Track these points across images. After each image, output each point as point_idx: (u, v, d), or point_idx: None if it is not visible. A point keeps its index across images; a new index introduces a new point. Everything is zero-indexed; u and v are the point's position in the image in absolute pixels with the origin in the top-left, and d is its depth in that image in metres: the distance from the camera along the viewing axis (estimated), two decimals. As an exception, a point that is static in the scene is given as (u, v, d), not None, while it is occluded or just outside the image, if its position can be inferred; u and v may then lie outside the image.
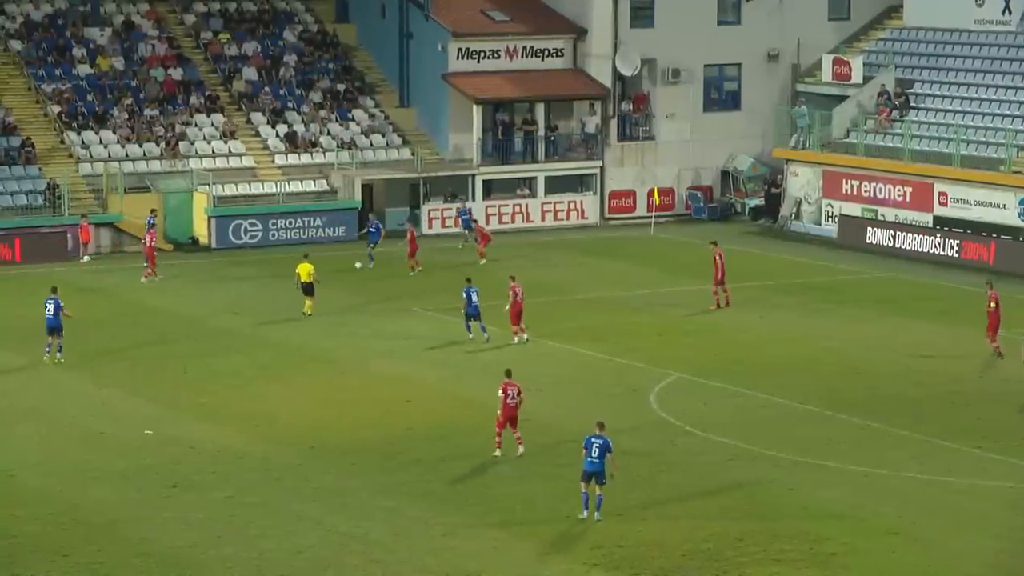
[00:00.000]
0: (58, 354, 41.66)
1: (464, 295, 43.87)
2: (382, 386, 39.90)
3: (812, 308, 49.03)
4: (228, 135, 62.86)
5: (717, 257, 48.11)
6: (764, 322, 46.87)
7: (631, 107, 66.39)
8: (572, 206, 65.16)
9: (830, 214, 62.61)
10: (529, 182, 64.91)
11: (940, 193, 59.12)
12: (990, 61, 62.84)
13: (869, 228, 60.26)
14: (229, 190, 60.69)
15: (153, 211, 55.97)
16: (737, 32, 67.14)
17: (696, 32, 66.29)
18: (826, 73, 66.01)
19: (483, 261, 53.89)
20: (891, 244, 59.07)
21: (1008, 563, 27.94)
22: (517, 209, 64.20)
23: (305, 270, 46.90)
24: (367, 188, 62.14)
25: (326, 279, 48.48)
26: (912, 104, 63.20)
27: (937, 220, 58.92)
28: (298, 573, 27.43)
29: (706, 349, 43.59)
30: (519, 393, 33.95)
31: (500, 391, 33.96)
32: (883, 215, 60.63)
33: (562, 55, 66.24)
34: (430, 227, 62.26)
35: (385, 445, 34.83)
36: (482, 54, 65.05)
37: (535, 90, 65.17)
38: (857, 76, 64.67)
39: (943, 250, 57.48)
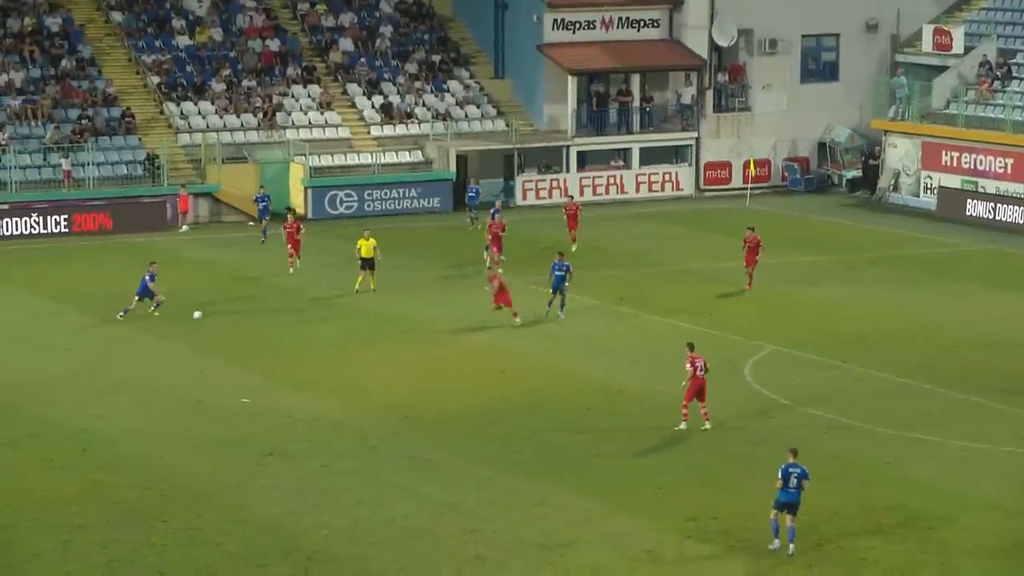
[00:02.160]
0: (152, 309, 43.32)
1: (552, 270, 43.09)
2: (476, 357, 39.98)
3: (910, 281, 48.53)
4: (324, 106, 63.16)
5: (751, 242, 46.49)
6: (861, 296, 46.45)
7: (727, 78, 65.96)
8: (667, 178, 64.92)
9: (929, 186, 61.98)
10: (624, 153, 64.74)
11: (1042, 165, 58.43)
12: (1094, 30, 61.94)
13: (969, 200, 59.61)
14: (325, 161, 60.99)
15: (290, 212, 52.84)
16: (835, 2, 66.45)
17: (793, 2, 65.71)
18: (926, 43, 65.24)
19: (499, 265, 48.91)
20: (992, 216, 58.41)
21: (1109, 540, 27.58)
22: (612, 180, 64.05)
23: (366, 246, 46.62)
24: (462, 159, 62.22)
25: (420, 250, 48.58)
26: (1014, 75, 62.37)
27: (1038, 192, 58.26)
28: (392, 541, 27.59)
29: (800, 322, 43.32)
30: (705, 365, 33.79)
31: (688, 364, 33.78)
32: (983, 187, 59.93)
33: (658, 25, 65.91)
34: (524, 198, 62.32)
35: (479, 416, 34.92)
36: (577, 24, 64.87)
37: (630, 61, 64.91)
38: (958, 46, 63.89)
39: (1044, 222, 56.87)
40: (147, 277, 43.08)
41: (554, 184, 63.11)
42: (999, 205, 58.48)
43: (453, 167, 61.55)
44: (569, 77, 63.81)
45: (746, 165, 64.37)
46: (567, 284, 42.94)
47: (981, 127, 60.70)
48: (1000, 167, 59.74)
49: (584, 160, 64.06)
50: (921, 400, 36.15)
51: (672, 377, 37.94)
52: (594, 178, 63.77)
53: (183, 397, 36.42)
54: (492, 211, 51.71)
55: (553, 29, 64.58)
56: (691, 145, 65.30)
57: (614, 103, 64.94)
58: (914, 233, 56.75)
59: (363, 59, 65.38)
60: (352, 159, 61.70)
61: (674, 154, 65.44)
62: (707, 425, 33.78)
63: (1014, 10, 65.35)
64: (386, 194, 60.52)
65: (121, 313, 43.13)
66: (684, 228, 57.71)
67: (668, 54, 65.56)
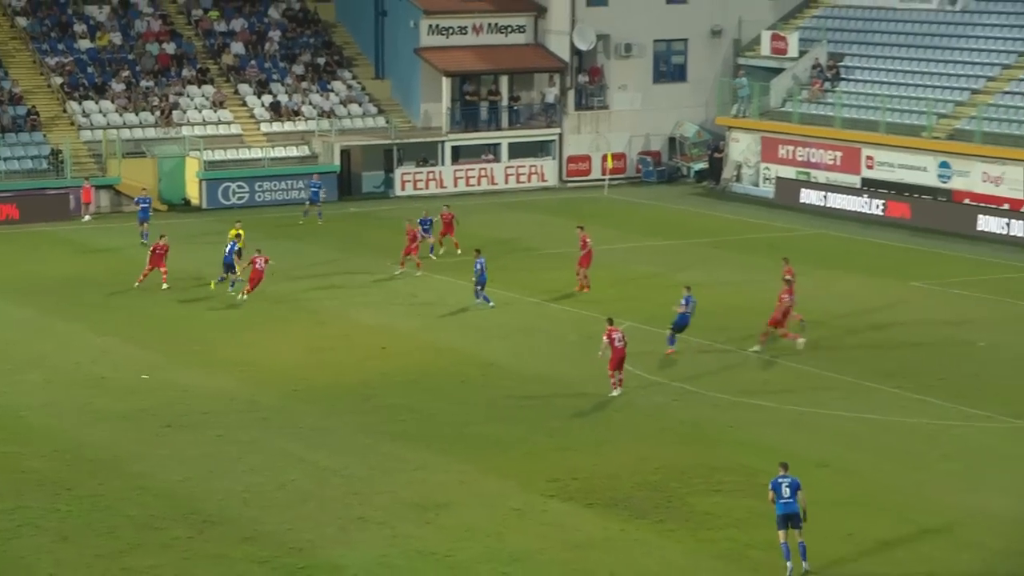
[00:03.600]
0: (229, 288, 42.95)
1: (476, 266, 42.30)
2: (360, 334, 39.85)
3: (751, 262, 49.11)
4: (217, 105, 62.49)
5: (583, 240, 44.63)
6: (708, 275, 46.89)
7: (587, 79, 66.24)
8: (533, 170, 65.05)
9: (767, 176, 62.70)
10: (493, 148, 64.77)
11: (867, 157, 59.28)
12: (913, 36, 62.90)
13: (803, 189, 60.37)
14: (219, 155, 60.37)
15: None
16: (683, 10, 66.99)
17: (646, 10, 66.16)
18: (765, 48, 65.98)
19: (400, 270, 46.88)
20: (823, 204, 59.19)
21: (926, 493, 28.15)
22: (483, 173, 64.07)
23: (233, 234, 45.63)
24: (345, 153, 61.96)
25: (307, 236, 48.20)
26: (842, 76, 63.24)
27: (864, 182, 59.09)
28: (282, 504, 27.45)
29: (653, 299, 43.61)
30: (623, 337, 33.73)
31: (605, 337, 33.79)
32: (815, 177, 60.75)
33: (524, 31, 66.01)
34: (403, 189, 62.18)
35: (362, 388, 34.83)
36: (450, 30, 64.77)
37: (499, 63, 64.97)
38: (793, 50, 64.67)
39: (869, 209, 57.66)
40: (229, 247, 43.22)
41: (430, 176, 63.04)
42: (829, 193, 59.30)
43: (337, 160, 61.27)
44: (443, 78, 63.70)
45: (604, 158, 64.70)
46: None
47: (813, 123, 61.47)
48: (830, 159, 60.60)
49: (458, 154, 64.01)
50: (761, 370, 36.63)
51: (539, 351, 38.17)
52: (467, 171, 63.76)
53: (87, 373, 35.93)
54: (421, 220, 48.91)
55: (428, 34, 64.42)
56: (555, 140, 65.49)
57: (484, 102, 64.93)
58: (754, 219, 57.41)
59: (253, 61, 64.78)
60: (244, 153, 61.13)
61: (539, 148, 65.58)
62: (615, 392, 33.86)
63: (842, 18, 66.31)
64: (275, 185, 60.07)
65: (217, 281, 43.94)
66: (549, 216, 57.90)
67: (533, 57, 65.69)
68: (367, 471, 29.18)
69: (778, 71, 64.55)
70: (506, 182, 64.33)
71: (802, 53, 64.42)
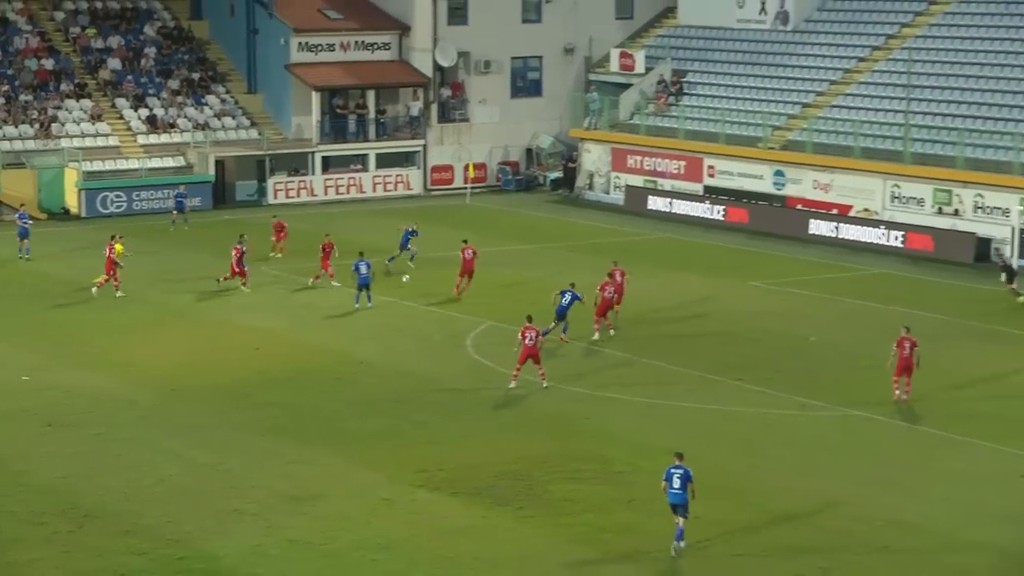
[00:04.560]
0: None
1: (354, 267, 41.96)
2: (236, 336, 39.39)
3: (603, 265, 49.36)
4: (95, 118, 61.38)
5: (467, 252, 44.10)
6: (563, 276, 47.14)
7: (450, 93, 66.24)
8: (399, 179, 64.89)
9: (617, 185, 63.26)
10: (362, 158, 64.49)
11: (709, 166, 60.09)
12: (749, 54, 63.90)
13: (650, 196, 61.01)
14: (97, 166, 59.32)
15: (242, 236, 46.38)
16: (538, 29, 67.34)
17: (504, 29, 66.40)
18: (614, 64, 66.56)
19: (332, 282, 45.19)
20: (668, 210, 59.86)
21: (764, 478, 28.61)
22: (352, 182, 63.75)
23: (118, 249, 44.79)
24: (220, 164, 61.22)
25: (184, 243, 47.52)
26: (685, 91, 64.03)
27: (706, 189, 59.87)
28: (161, 498, 27.01)
29: (513, 299, 43.75)
30: (537, 335, 33.68)
31: (520, 334, 33.73)
32: (661, 185, 61.42)
33: (389, 48, 65.83)
34: (275, 197, 61.65)
35: (239, 387, 34.42)
36: (319, 47, 64.38)
37: (366, 79, 64.71)
38: (640, 67, 65.33)
39: (711, 214, 58.43)
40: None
41: (302, 185, 62.57)
42: (674, 200, 59.98)
43: (212, 170, 60.53)
44: (313, 92, 63.26)
45: (466, 168, 64.80)
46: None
47: (659, 135, 62.15)
48: (675, 168, 61.30)
49: (328, 164, 63.62)
50: (616, 365, 36.90)
51: (407, 350, 38.07)
52: (336, 180, 63.40)
53: (-30, 377, 35.02)
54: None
55: (298, 51, 63.95)
56: (419, 151, 65.40)
57: (353, 115, 64.61)
58: (606, 224, 57.87)
59: (130, 77, 63.75)
60: (121, 164, 60.14)
61: (405, 159, 65.45)
62: (545, 384, 34.03)
63: (685, 37, 67.14)
64: (152, 195, 59.14)
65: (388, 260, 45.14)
66: (415, 222, 57.64)
67: (398, 73, 65.53)
68: (243, 466, 28.84)
69: (626, 86, 65.15)
70: (374, 191, 64.07)
71: (648, 69, 65.11)
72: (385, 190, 64.34)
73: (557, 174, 66.32)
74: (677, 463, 24.75)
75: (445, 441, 30.48)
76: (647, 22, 69.33)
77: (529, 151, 67.60)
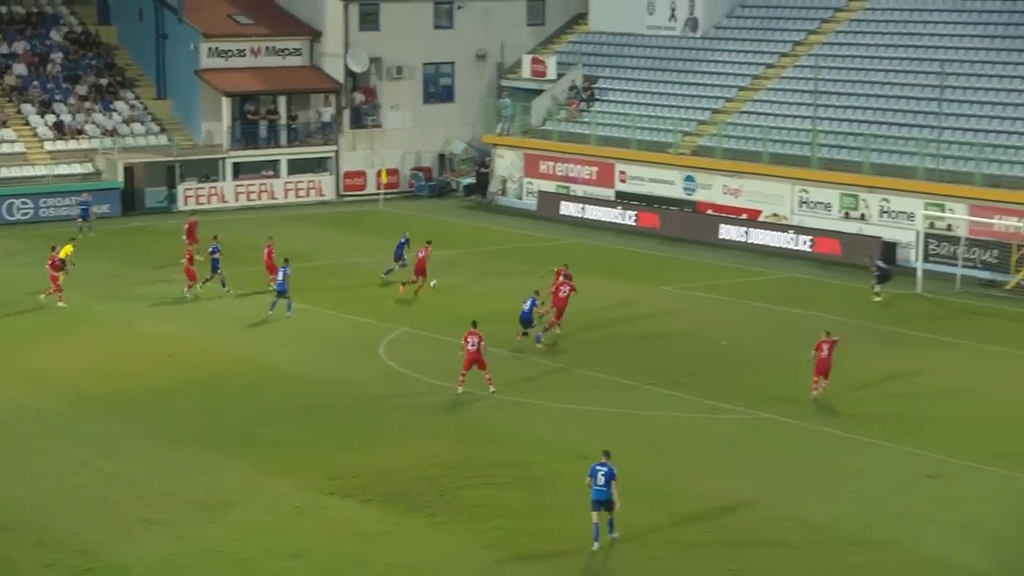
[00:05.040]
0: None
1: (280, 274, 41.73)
2: (146, 344, 38.98)
3: (516, 269, 49.58)
4: (1, 124, 60.42)
5: (421, 252, 44.91)
6: (475, 282, 47.19)
7: (362, 99, 66.05)
8: (311, 185, 64.57)
9: (530, 190, 63.42)
10: (273, 164, 64.10)
11: (620, 172, 60.43)
12: (660, 60, 64.36)
13: (563, 202, 61.23)
14: (3, 172, 58.42)
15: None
16: (450, 35, 67.36)
17: (416, 35, 66.34)
18: (526, 70, 66.75)
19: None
20: (581, 215, 60.11)
21: (676, 480, 28.80)
22: (263, 188, 63.34)
23: (67, 250, 44.50)
24: (129, 170, 60.54)
25: (93, 250, 47.01)
26: (597, 97, 64.35)
27: (618, 194, 60.20)
28: (71, 508, 26.66)
29: (426, 306, 43.76)
30: (480, 340, 33.59)
31: (463, 339, 33.69)
32: (574, 191, 61.66)
33: (300, 54, 65.52)
34: (186, 204, 61.07)
35: (149, 395, 34.07)
36: (229, 52, 63.90)
37: (277, 84, 64.33)
38: (551, 73, 65.57)
39: (623, 220, 58.77)
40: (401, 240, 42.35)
41: (212, 191, 62.06)
42: (586, 206, 60.26)
43: (121, 177, 59.85)
44: (223, 98, 62.77)
45: (379, 174, 64.64)
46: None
47: (571, 141, 62.41)
48: (587, 174, 61.59)
49: (239, 170, 63.15)
50: (525, 369, 36.97)
51: (320, 357, 37.88)
52: (247, 186, 62.96)
53: None
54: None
55: (208, 56, 63.42)
56: (331, 157, 65.15)
57: (264, 121, 64.21)
58: (519, 230, 57.99)
59: (36, 82, 62.83)
60: (28, 171, 59.27)
61: (317, 165, 65.15)
62: (492, 389, 34.01)
63: (596, 43, 67.49)
64: (59, 201, 58.33)
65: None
66: (327, 228, 57.57)
67: (309, 79, 65.23)
68: (152, 475, 28.54)
69: (538, 92, 65.36)
70: (286, 197, 63.71)
71: (560, 75, 65.36)
72: (297, 196, 64.00)
73: (470, 180, 66.37)
74: (603, 460, 25.13)
75: (358, 448, 30.37)
76: (558, 28, 69.62)
77: (442, 157, 67.59)
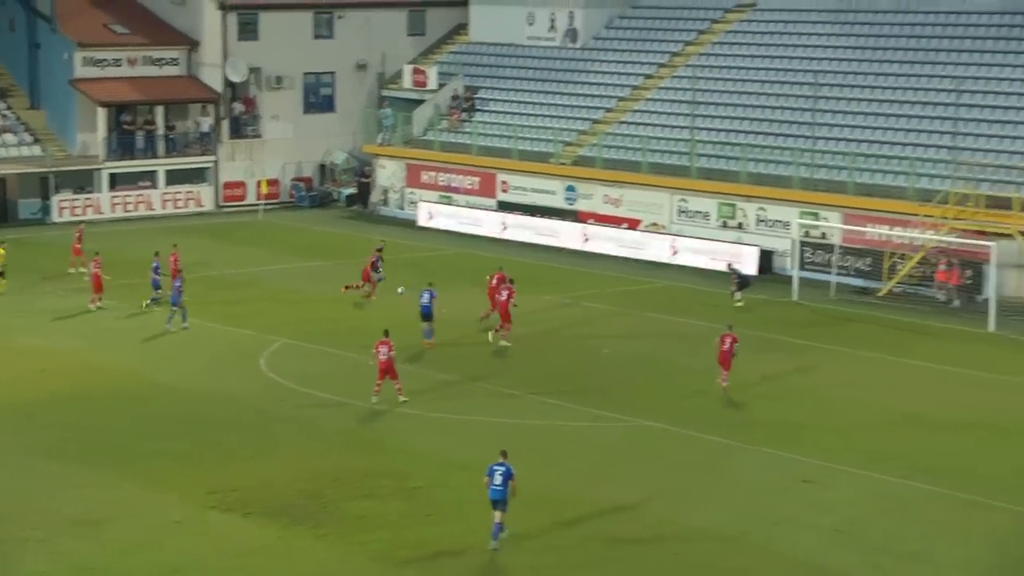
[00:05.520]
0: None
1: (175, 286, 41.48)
2: (20, 358, 38.17)
3: (400, 279, 49.36)
4: None
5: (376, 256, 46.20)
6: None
7: (242, 109, 65.44)
8: (190, 196, 63.82)
9: (412, 200, 63.32)
10: (151, 175, 63.23)
11: (502, 182, 60.59)
12: (540, 71, 64.69)
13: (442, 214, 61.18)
14: None
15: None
16: (331, 45, 67.07)
17: (296, 45, 65.96)
18: (407, 80, 66.67)
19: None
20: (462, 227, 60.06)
21: (554, 487, 28.85)
22: (140, 199, 62.47)
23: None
24: (1, 181, 59.35)
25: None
26: (478, 107, 64.48)
27: (500, 204, 60.35)
28: (-59, 529, 26.01)
29: (306, 317, 43.45)
30: (391, 349, 33.47)
31: (375, 348, 33.53)
32: (456, 201, 61.68)
33: (178, 64, 64.73)
34: (60, 215, 59.98)
35: (23, 409, 33.37)
36: (105, 62, 62.93)
37: (154, 94, 63.51)
38: (432, 83, 65.58)
39: (505, 230, 58.84)
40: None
41: (88, 203, 61.05)
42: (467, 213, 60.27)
43: (-7, 188, 58.69)
44: (99, 108, 61.78)
45: (259, 184, 64.09)
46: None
47: (453, 151, 62.45)
48: (469, 184, 61.66)
49: (115, 181, 62.19)
50: (408, 380, 36.81)
51: (200, 369, 37.40)
52: (124, 197, 62.04)
53: None
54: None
55: (83, 66, 62.39)
56: (211, 167, 64.45)
57: (141, 131, 63.32)
58: (402, 240, 57.79)
59: (-95, 91, 61.31)
60: None
61: (196, 175, 64.41)
62: (402, 398, 33.87)
63: (476, 53, 67.65)
64: (-71, 213, 57.05)
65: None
66: (206, 240, 56.88)
67: (187, 88, 64.49)
68: (26, 490, 27.94)
69: (420, 102, 65.32)
70: (164, 208, 62.88)
71: (441, 86, 65.40)
72: (176, 207, 63.20)
73: (351, 190, 66.09)
74: (501, 460, 25.49)
75: (238, 461, 30.04)
76: (439, 38, 69.66)
77: (323, 167, 67.23)
